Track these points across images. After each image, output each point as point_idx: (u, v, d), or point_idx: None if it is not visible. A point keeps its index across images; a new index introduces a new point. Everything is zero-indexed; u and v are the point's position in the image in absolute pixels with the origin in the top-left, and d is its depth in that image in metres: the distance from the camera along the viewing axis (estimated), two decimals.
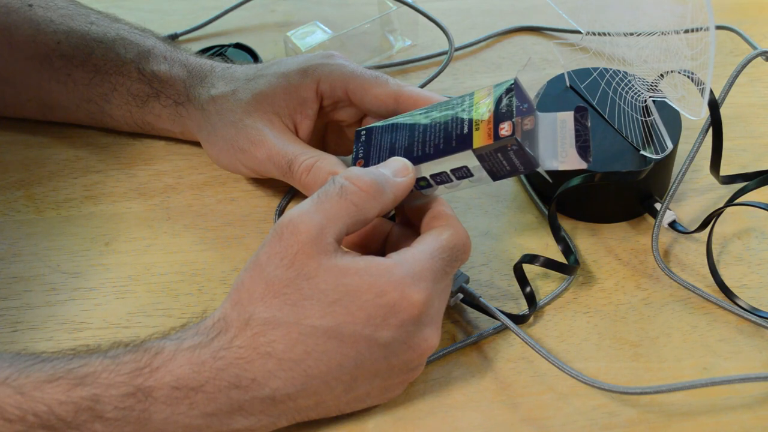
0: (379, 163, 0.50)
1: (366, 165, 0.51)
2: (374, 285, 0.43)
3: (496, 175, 0.47)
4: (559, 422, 0.48)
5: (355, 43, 0.71)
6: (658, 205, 0.56)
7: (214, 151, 0.58)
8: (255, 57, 0.71)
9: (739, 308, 0.53)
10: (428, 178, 0.49)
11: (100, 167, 0.63)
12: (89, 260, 0.57)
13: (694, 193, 0.61)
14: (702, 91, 0.50)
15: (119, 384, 0.41)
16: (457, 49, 0.72)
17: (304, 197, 0.50)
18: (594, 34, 0.58)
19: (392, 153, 0.50)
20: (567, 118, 0.47)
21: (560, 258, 0.56)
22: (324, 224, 0.44)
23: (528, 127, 0.46)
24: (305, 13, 0.78)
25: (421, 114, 0.51)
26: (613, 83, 0.59)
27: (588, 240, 0.58)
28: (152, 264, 0.57)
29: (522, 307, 0.54)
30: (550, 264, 0.53)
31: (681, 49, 0.51)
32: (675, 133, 0.56)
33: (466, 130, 0.47)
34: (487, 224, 0.59)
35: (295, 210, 0.44)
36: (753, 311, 0.53)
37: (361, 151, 0.52)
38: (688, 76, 0.52)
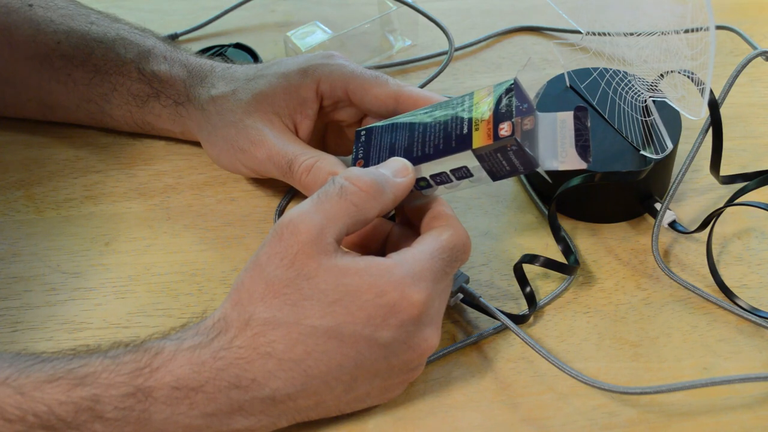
0: (378, 163, 0.50)
1: (366, 165, 0.51)
2: (374, 285, 0.43)
3: (495, 176, 0.47)
4: (559, 422, 0.48)
5: (355, 43, 0.71)
6: (658, 205, 0.56)
7: (214, 151, 0.58)
8: (255, 57, 0.71)
9: (739, 308, 0.53)
10: (428, 178, 0.49)
11: (100, 167, 0.63)
12: (89, 260, 0.57)
13: (694, 193, 0.61)
14: (702, 91, 0.50)
15: (119, 384, 0.41)
16: (457, 49, 0.72)
17: (304, 197, 0.50)
18: (594, 34, 0.58)
19: (392, 153, 0.50)
20: (567, 118, 0.47)
21: (560, 258, 0.56)
22: (324, 224, 0.44)
23: (528, 127, 0.46)
24: (305, 13, 0.78)
25: (420, 114, 0.51)
26: (613, 83, 0.59)
27: (588, 240, 0.58)
28: (152, 264, 0.57)
29: (522, 307, 0.54)
30: (550, 264, 0.53)
31: (681, 49, 0.51)
32: (675, 133, 0.56)
33: (465, 130, 0.47)
34: (487, 224, 0.59)
35: (295, 210, 0.44)
36: (753, 311, 0.53)
37: (361, 151, 0.52)
38: (688, 76, 0.52)
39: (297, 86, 0.56)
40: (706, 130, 0.54)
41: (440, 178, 0.48)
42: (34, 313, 0.54)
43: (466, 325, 0.53)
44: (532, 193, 0.60)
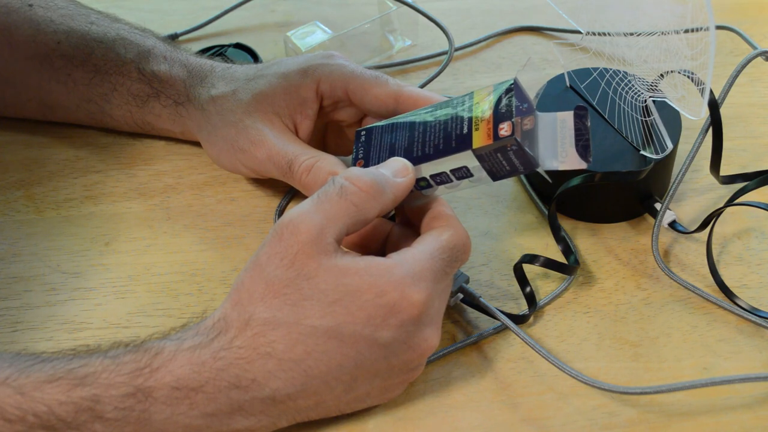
0: (379, 163, 0.50)
1: (366, 165, 0.51)
2: (374, 285, 0.43)
3: (496, 175, 0.47)
4: (559, 422, 0.48)
5: (355, 43, 0.71)
6: (658, 205, 0.56)
7: (215, 151, 0.58)
8: (255, 57, 0.71)
9: (739, 308, 0.53)
10: (428, 178, 0.49)
11: (100, 167, 0.63)
12: (89, 260, 0.57)
13: (694, 193, 0.61)
14: (702, 91, 0.50)
15: (119, 384, 0.41)
16: (457, 49, 0.72)
17: (304, 197, 0.50)
18: (594, 34, 0.58)
19: (392, 153, 0.50)
20: (567, 117, 0.47)
21: (560, 258, 0.56)
22: (324, 224, 0.44)
23: (528, 127, 0.46)
24: (305, 13, 0.78)
25: (420, 114, 0.51)
26: (613, 83, 0.59)
27: (588, 240, 0.58)
28: (152, 264, 0.57)
29: (522, 307, 0.54)
30: (550, 264, 0.53)
31: (681, 49, 0.51)
32: (675, 133, 0.56)
33: (465, 130, 0.47)
34: (487, 224, 0.59)
35: (295, 210, 0.44)
36: (753, 311, 0.53)
37: (361, 151, 0.52)
38: (688, 76, 0.52)
39: (297, 86, 0.56)
40: (706, 130, 0.54)
41: (440, 178, 0.48)
42: (34, 313, 0.54)
43: (466, 325, 0.53)
44: (532, 193, 0.60)
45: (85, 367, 0.42)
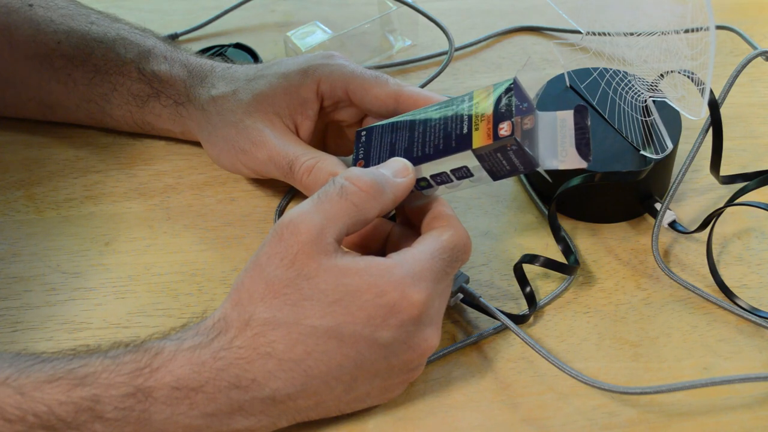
0: (379, 163, 0.50)
1: (366, 165, 0.51)
2: (374, 285, 0.43)
3: (496, 175, 0.47)
4: (559, 422, 0.48)
5: (355, 43, 0.71)
6: (658, 205, 0.56)
7: (215, 152, 0.58)
8: (255, 57, 0.71)
9: (739, 308, 0.53)
10: (428, 178, 0.49)
11: (100, 167, 0.63)
12: (89, 260, 0.57)
13: (694, 193, 0.61)
14: (702, 91, 0.50)
15: (119, 384, 0.41)
16: (457, 49, 0.72)
17: (305, 197, 0.50)
18: (594, 34, 0.58)
19: (392, 153, 0.50)
20: (567, 117, 0.47)
21: (560, 258, 0.56)
22: (324, 224, 0.44)
23: (528, 127, 0.46)
24: (305, 13, 0.78)
25: (421, 114, 0.51)
26: (613, 83, 0.59)
27: (588, 240, 0.58)
28: (152, 264, 0.57)
29: (522, 307, 0.54)
30: (550, 264, 0.53)
31: (681, 49, 0.51)
32: (675, 133, 0.56)
33: (465, 130, 0.47)
34: (487, 224, 0.59)
35: (295, 210, 0.44)
36: (753, 311, 0.53)
37: (362, 151, 0.52)
38: (688, 76, 0.52)
39: (297, 86, 0.56)
40: (706, 130, 0.54)
41: (441, 178, 0.48)
42: (34, 313, 0.54)
43: (466, 325, 0.53)
44: (532, 193, 0.60)
45: (85, 367, 0.42)
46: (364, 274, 0.43)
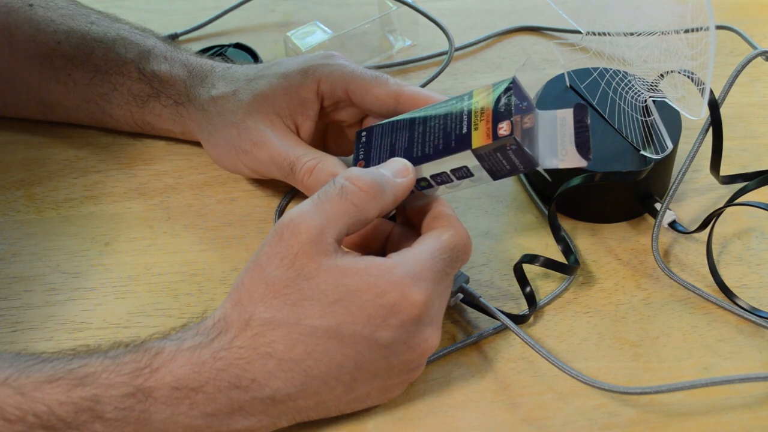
0: (379, 163, 0.50)
1: (366, 166, 0.51)
2: (374, 285, 0.43)
3: (496, 175, 0.47)
4: (559, 422, 0.48)
5: (355, 43, 0.71)
6: (658, 205, 0.56)
7: (216, 152, 0.58)
8: (255, 57, 0.71)
9: (739, 308, 0.53)
10: (428, 178, 0.49)
11: (100, 167, 0.63)
12: (89, 260, 0.57)
13: (694, 193, 0.61)
14: (702, 91, 0.50)
15: (119, 384, 0.41)
16: (457, 49, 0.72)
17: (305, 197, 0.50)
18: (594, 34, 0.58)
19: (392, 154, 0.50)
20: (566, 115, 0.47)
21: (560, 258, 0.56)
22: (324, 224, 0.44)
23: (527, 126, 0.46)
24: (305, 13, 0.78)
25: (420, 114, 0.51)
26: (613, 83, 0.59)
27: (588, 240, 0.58)
28: (152, 264, 0.57)
29: (522, 307, 0.54)
30: (550, 264, 0.53)
31: (681, 49, 0.51)
32: (675, 133, 0.56)
33: (464, 130, 0.47)
34: (487, 224, 0.59)
35: (295, 210, 0.44)
36: (753, 311, 0.53)
37: (362, 152, 0.52)
38: (688, 76, 0.52)
39: (297, 87, 0.56)
40: (706, 130, 0.54)
41: (441, 178, 0.48)
42: (34, 313, 0.54)
43: (466, 325, 0.53)
44: (532, 193, 0.60)
45: (85, 367, 0.42)
46: (364, 274, 0.43)
